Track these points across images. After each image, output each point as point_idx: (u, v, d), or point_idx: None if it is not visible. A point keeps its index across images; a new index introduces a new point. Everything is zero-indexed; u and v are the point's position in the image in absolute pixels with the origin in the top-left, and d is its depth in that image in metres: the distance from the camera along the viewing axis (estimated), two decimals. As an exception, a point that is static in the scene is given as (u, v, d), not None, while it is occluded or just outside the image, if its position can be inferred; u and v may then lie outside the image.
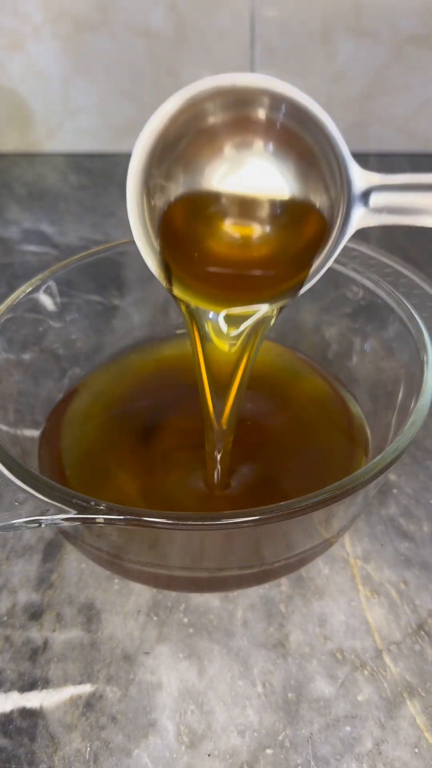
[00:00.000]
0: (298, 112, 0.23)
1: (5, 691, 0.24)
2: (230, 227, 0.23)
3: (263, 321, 0.24)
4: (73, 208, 0.55)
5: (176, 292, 0.23)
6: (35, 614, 0.26)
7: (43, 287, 0.30)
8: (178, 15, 0.55)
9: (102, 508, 0.19)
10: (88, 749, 0.22)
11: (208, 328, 0.24)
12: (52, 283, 0.30)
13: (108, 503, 0.19)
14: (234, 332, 0.24)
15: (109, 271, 0.33)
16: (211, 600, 0.26)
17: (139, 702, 0.23)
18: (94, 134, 0.62)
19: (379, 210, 0.21)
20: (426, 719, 0.23)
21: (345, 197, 0.21)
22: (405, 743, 0.22)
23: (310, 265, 0.23)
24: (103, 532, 0.23)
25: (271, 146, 0.22)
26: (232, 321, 0.24)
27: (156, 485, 0.28)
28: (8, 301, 0.28)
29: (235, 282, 0.23)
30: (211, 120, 0.22)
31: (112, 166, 0.61)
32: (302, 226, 0.23)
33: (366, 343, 0.31)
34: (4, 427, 0.26)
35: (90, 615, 0.26)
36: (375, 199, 0.21)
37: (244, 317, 0.24)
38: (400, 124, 0.61)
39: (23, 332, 0.29)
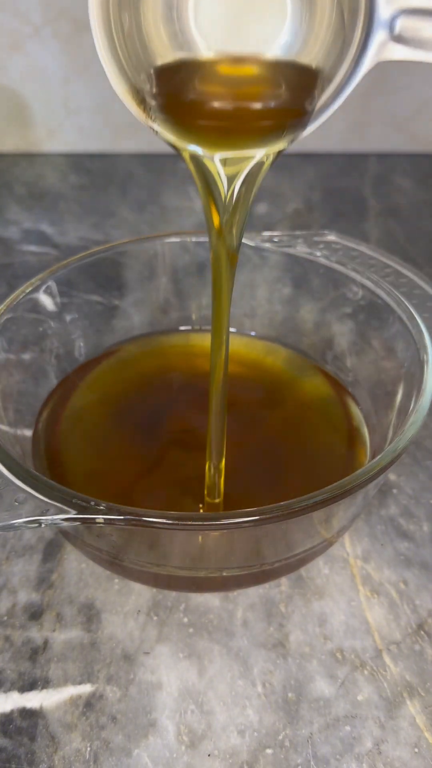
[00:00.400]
0: None
1: (5, 691, 0.24)
2: (227, 62, 0.20)
3: (259, 166, 0.21)
4: (73, 208, 0.55)
5: (161, 128, 0.21)
6: (35, 614, 0.26)
7: (43, 287, 0.30)
8: (178, 15, 0.55)
9: (102, 508, 0.19)
10: (88, 749, 0.22)
11: (211, 174, 0.21)
12: (52, 283, 0.30)
13: (108, 503, 0.19)
14: (231, 174, 0.21)
15: (109, 271, 0.33)
16: (211, 600, 0.26)
17: (139, 702, 0.23)
18: (94, 134, 0.62)
19: (406, 40, 0.18)
20: (426, 719, 0.23)
21: (365, 16, 0.18)
22: (405, 743, 0.22)
23: (315, 97, 0.20)
24: (103, 532, 0.23)
25: None
26: (230, 163, 0.21)
27: (156, 485, 0.28)
28: (8, 301, 0.28)
29: (231, 116, 0.20)
30: None
31: (112, 166, 0.61)
32: (307, 49, 0.20)
33: (366, 343, 0.31)
34: (4, 427, 0.26)
35: (90, 615, 0.26)
36: (404, 24, 0.17)
37: (242, 160, 0.21)
38: (400, 124, 0.61)
39: (23, 332, 0.29)
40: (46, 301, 0.30)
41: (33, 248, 0.50)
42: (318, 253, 0.32)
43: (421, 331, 0.26)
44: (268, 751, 0.22)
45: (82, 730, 0.23)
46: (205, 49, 0.19)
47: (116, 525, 0.19)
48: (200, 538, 0.23)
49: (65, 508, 0.19)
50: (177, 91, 0.21)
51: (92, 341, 0.34)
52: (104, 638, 0.25)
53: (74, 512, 0.19)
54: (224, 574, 0.25)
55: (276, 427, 0.31)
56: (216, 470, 0.26)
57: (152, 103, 0.21)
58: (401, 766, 0.22)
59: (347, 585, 0.27)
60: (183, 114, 0.21)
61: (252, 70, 0.20)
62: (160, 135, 0.21)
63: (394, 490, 0.31)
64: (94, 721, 0.23)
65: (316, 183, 0.58)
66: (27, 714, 0.23)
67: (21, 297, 0.28)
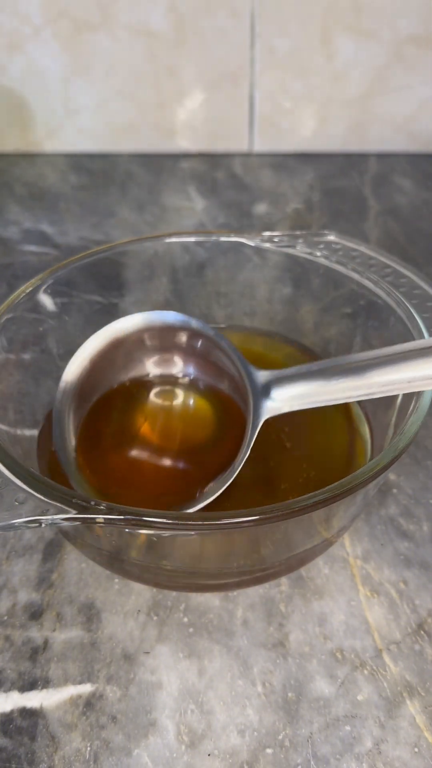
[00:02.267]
0: (204, 336, 0.27)
1: (5, 691, 0.24)
2: (153, 430, 0.27)
3: None
4: (73, 208, 0.55)
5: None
6: (35, 614, 0.26)
7: (43, 287, 0.30)
8: (178, 15, 0.55)
9: (102, 508, 0.19)
10: (88, 749, 0.22)
11: None
12: (52, 283, 0.30)
13: (108, 503, 0.19)
14: None
15: (109, 271, 0.33)
16: (211, 600, 0.26)
17: (139, 701, 0.23)
18: (94, 134, 0.62)
19: (281, 400, 0.24)
20: (426, 719, 0.23)
21: (250, 395, 0.25)
22: (405, 743, 0.22)
23: (228, 460, 0.25)
24: (103, 532, 0.23)
25: (190, 362, 0.28)
26: None
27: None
28: (8, 301, 0.28)
29: (153, 488, 0.26)
30: (138, 345, 0.27)
31: (112, 166, 0.61)
32: (221, 426, 0.27)
33: (366, 343, 0.31)
34: (4, 427, 0.26)
35: (90, 614, 0.26)
36: (275, 392, 0.25)
37: None
38: (400, 124, 0.61)
39: (23, 332, 0.29)
40: (46, 301, 0.30)
41: (33, 248, 0.50)
42: (318, 253, 0.32)
43: (421, 331, 0.26)
44: (268, 750, 0.22)
45: (82, 729, 0.23)
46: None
47: (116, 525, 0.19)
48: (200, 537, 0.23)
49: (65, 508, 0.19)
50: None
51: (92, 341, 0.34)
52: (104, 638, 0.25)
53: (74, 512, 0.19)
54: (224, 573, 0.25)
55: (276, 426, 0.31)
56: None
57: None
58: (401, 765, 0.22)
59: (347, 585, 0.27)
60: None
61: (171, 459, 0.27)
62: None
63: (394, 490, 0.31)
64: (94, 721, 0.23)
65: (316, 183, 0.58)
66: (27, 714, 0.23)
67: (21, 297, 0.28)
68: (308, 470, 0.28)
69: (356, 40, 0.56)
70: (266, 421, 0.28)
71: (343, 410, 0.31)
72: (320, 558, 0.28)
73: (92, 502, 0.19)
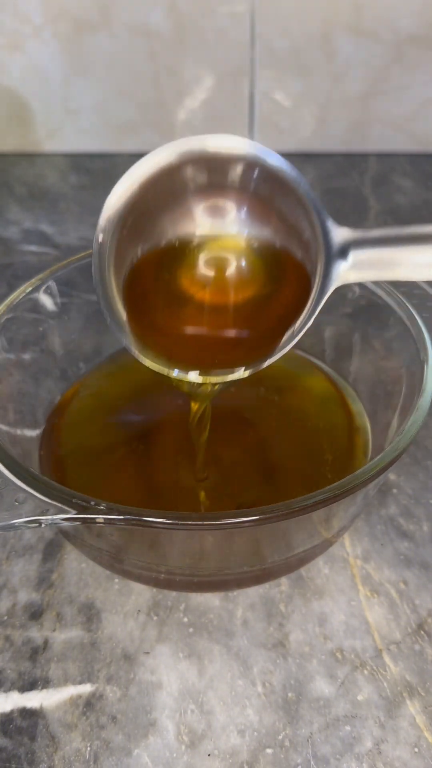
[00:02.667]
0: (271, 174, 0.22)
1: (5, 691, 0.24)
2: (204, 290, 0.23)
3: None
4: (73, 208, 0.55)
5: (148, 362, 0.23)
6: (35, 614, 0.26)
7: (43, 287, 0.30)
8: (178, 15, 0.55)
9: (102, 508, 0.19)
10: (88, 749, 0.22)
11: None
12: (52, 283, 0.30)
13: (108, 503, 0.19)
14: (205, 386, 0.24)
15: (109, 271, 0.33)
16: (211, 600, 0.26)
17: (139, 702, 0.23)
18: (94, 134, 0.62)
19: (358, 266, 0.21)
20: (426, 719, 0.23)
21: (323, 255, 0.21)
22: (405, 743, 0.22)
23: (288, 326, 0.22)
24: (103, 532, 0.23)
25: (245, 208, 0.22)
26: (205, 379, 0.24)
27: (157, 485, 0.28)
28: (8, 301, 0.28)
29: (209, 348, 0.23)
30: (184, 182, 0.22)
31: (112, 166, 0.61)
32: (280, 287, 0.23)
33: (366, 343, 0.31)
34: (4, 427, 0.26)
35: (90, 614, 0.26)
36: (354, 255, 0.21)
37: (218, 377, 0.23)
38: (400, 124, 0.61)
39: (23, 332, 0.29)
40: (46, 301, 0.30)
41: (33, 248, 0.50)
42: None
43: (421, 331, 0.26)
44: (268, 750, 0.22)
45: (82, 729, 0.23)
46: (191, 288, 0.22)
47: (116, 525, 0.19)
48: (200, 538, 0.23)
49: (65, 508, 0.19)
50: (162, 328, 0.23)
51: (92, 341, 0.34)
52: (104, 638, 0.25)
53: (74, 512, 0.19)
54: (224, 573, 0.25)
55: (276, 426, 0.31)
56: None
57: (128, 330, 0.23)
58: (401, 765, 0.22)
59: (347, 585, 0.27)
60: (165, 350, 0.23)
61: (229, 316, 0.23)
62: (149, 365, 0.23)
63: (394, 490, 0.31)
64: (94, 721, 0.23)
65: (316, 183, 0.58)
66: (27, 714, 0.23)
67: (21, 297, 0.28)
68: (308, 470, 0.28)
69: (356, 40, 0.56)
70: (266, 420, 0.28)
71: (344, 410, 0.31)
72: (320, 558, 0.28)
73: (92, 502, 0.19)
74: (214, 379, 0.23)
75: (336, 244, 0.21)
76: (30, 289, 0.29)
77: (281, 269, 0.22)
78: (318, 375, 0.33)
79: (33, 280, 0.29)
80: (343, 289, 0.31)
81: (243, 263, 0.22)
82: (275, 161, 0.21)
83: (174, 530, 0.20)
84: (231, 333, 0.23)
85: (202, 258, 0.22)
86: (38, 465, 0.28)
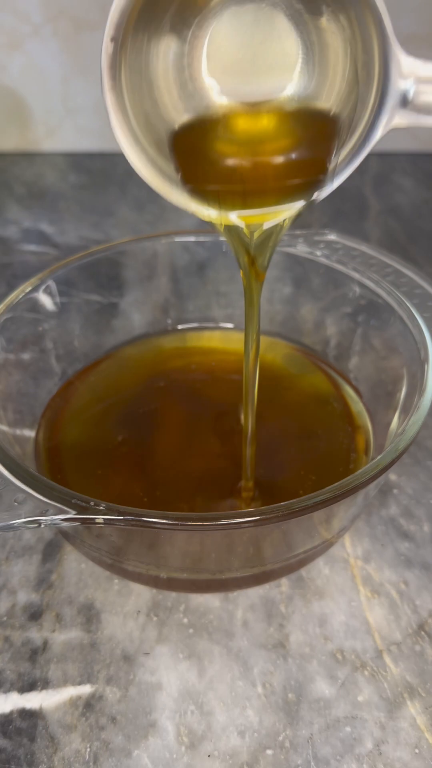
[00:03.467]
0: None
1: (5, 692, 0.24)
2: (244, 125, 0.19)
3: (286, 221, 0.21)
4: (72, 207, 0.55)
5: (187, 197, 0.21)
6: (35, 614, 0.26)
7: (43, 287, 0.30)
8: (178, 14, 0.55)
9: (101, 508, 0.19)
10: (88, 750, 0.22)
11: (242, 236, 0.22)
12: (51, 283, 0.30)
13: (107, 503, 0.19)
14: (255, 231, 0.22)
15: (109, 271, 0.33)
16: (211, 600, 0.26)
17: (139, 702, 0.23)
18: (94, 134, 0.62)
19: (419, 108, 0.18)
20: (426, 720, 0.23)
21: (379, 85, 0.18)
22: (405, 744, 0.22)
23: (331, 158, 0.20)
24: (103, 533, 0.23)
25: (291, 15, 0.18)
26: (252, 224, 0.21)
27: (157, 485, 0.28)
28: (8, 301, 0.28)
29: (253, 179, 0.20)
30: None
31: (112, 165, 0.61)
32: (324, 114, 0.19)
33: (366, 343, 0.31)
34: (4, 427, 0.26)
35: (90, 615, 0.26)
36: (418, 92, 0.18)
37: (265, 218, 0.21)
38: (400, 123, 0.61)
39: (23, 332, 0.29)
40: (46, 301, 0.30)
41: (33, 248, 0.50)
42: (318, 253, 0.32)
43: (421, 331, 0.26)
44: (268, 751, 0.22)
45: (82, 730, 0.23)
46: (218, 98, 0.19)
47: (116, 525, 0.19)
48: (200, 538, 0.23)
49: (65, 508, 0.19)
50: (199, 157, 0.20)
51: (92, 341, 0.34)
52: (104, 639, 0.25)
53: (74, 512, 0.19)
54: (224, 574, 0.25)
55: (276, 426, 0.31)
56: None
57: (177, 177, 0.21)
58: (402, 766, 0.22)
59: (347, 585, 0.27)
60: (208, 181, 0.21)
61: (269, 125, 0.19)
62: (196, 213, 0.21)
63: (395, 490, 0.31)
64: (93, 722, 0.23)
65: (316, 182, 0.58)
66: (26, 715, 0.23)
67: (21, 297, 0.28)
68: (308, 470, 0.28)
69: (356, 39, 0.56)
70: (267, 420, 0.28)
71: (344, 410, 0.31)
72: (320, 558, 0.28)
73: (91, 502, 0.19)
74: (260, 217, 0.21)
75: (398, 76, 0.18)
76: (29, 288, 0.29)
77: (326, 92, 0.19)
78: (318, 374, 0.33)
79: (32, 280, 0.29)
80: (344, 288, 0.31)
81: (287, 90, 0.19)
82: None
83: (174, 530, 0.19)
84: (278, 161, 0.20)
85: (239, 93, 0.19)
86: (35, 464, 0.28)
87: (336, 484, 0.20)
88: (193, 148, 0.20)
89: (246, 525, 0.19)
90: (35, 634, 0.25)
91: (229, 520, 0.19)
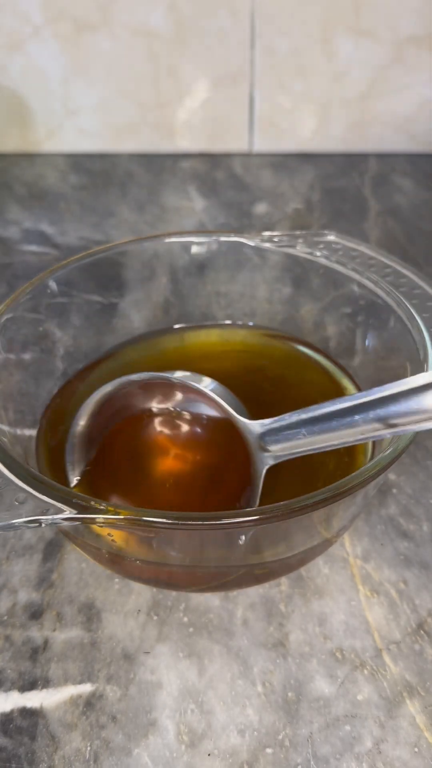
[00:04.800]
0: (200, 397, 0.27)
1: (5, 691, 0.24)
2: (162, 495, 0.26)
3: None
4: (73, 208, 0.55)
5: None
6: (35, 613, 0.26)
7: (44, 287, 0.30)
8: (178, 15, 0.55)
9: (102, 507, 0.19)
10: (89, 748, 0.22)
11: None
12: (52, 283, 0.30)
13: (108, 503, 0.19)
14: None
15: (109, 271, 0.33)
16: (211, 599, 0.26)
17: (139, 701, 0.23)
18: (94, 134, 0.62)
19: (277, 453, 0.24)
20: (426, 719, 0.23)
21: (250, 447, 0.24)
22: (405, 742, 0.22)
23: (235, 502, 0.25)
24: (103, 532, 0.23)
25: (186, 417, 0.27)
26: None
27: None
28: (8, 301, 0.28)
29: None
30: (137, 399, 0.27)
31: (112, 166, 0.61)
32: (222, 484, 0.26)
33: (366, 343, 0.31)
34: (5, 427, 0.26)
35: (90, 614, 0.26)
36: (271, 446, 0.24)
37: None
38: (400, 124, 0.61)
39: (23, 332, 0.29)
40: (47, 301, 0.30)
41: (33, 248, 0.50)
42: (318, 253, 0.32)
43: (421, 331, 0.26)
44: (268, 750, 0.22)
45: (83, 729, 0.23)
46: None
47: (116, 525, 0.19)
48: (200, 537, 0.23)
49: (65, 507, 0.19)
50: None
51: (92, 341, 0.34)
52: (104, 638, 0.25)
53: (74, 512, 0.19)
54: (224, 573, 0.25)
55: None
56: None
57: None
58: (401, 765, 0.22)
59: (347, 584, 0.27)
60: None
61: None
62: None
63: (394, 490, 0.31)
64: (94, 721, 0.23)
65: (316, 183, 0.58)
66: (27, 713, 0.23)
67: (21, 297, 0.28)
68: (308, 469, 0.28)
69: (356, 40, 0.56)
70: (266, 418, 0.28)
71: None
72: (320, 558, 0.28)
73: (92, 502, 0.19)
74: None
75: (255, 436, 0.24)
76: (30, 289, 0.29)
77: (227, 438, 0.26)
78: (318, 374, 0.33)
79: (33, 280, 0.29)
80: (343, 289, 0.31)
81: (193, 438, 0.27)
82: (184, 382, 0.26)
83: (174, 530, 0.20)
84: (185, 500, 0.26)
85: (155, 436, 0.28)
86: (36, 464, 0.28)
87: (335, 483, 0.20)
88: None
89: (246, 525, 0.19)
90: (36, 633, 0.25)
91: (229, 519, 0.19)
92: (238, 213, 0.54)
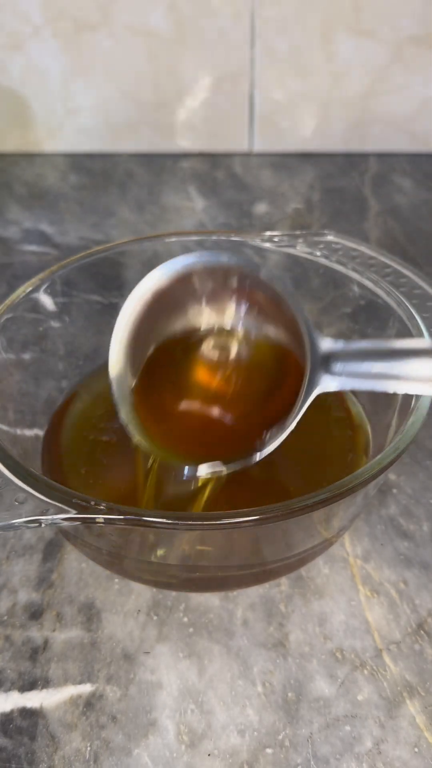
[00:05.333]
0: (263, 287, 0.24)
1: (5, 691, 0.24)
2: (206, 385, 0.25)
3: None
4: (73, 208, 0.55)
5: (143, 444, 0.24)
6: (35, 614, 0.26)
7: (43, 287, 0.30)
8: (178, 15, 0.55)
9: (102, 507, 0.19)
10: (89, 749, 0.22)
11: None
12: (52, 283, 0.30)
13: (108, 503, 0.19)
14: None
15: (109, 271, 0.33)
16: (211, 599, 0.26)
17: (139, 701, 0.23)
18: (94, 134, 0.62)
19: (340, 374, 0.23)
20: (426, 719, 0.23)
21: (308, 362, 0.23)
22: (405, 743, 0.22)
23: (273, 425, 0.24)
24: (103, 532, 0.23)
25: (242, 312, 0.25)
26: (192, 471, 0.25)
27: (158, 485, 0.28)
28: (8, 301, 0.28)
29: (204, 438, 0.24)
30: (192, 290, 0.24)
31: (112, 166, 0.61)
32: (270, 388, 0.25)
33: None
34: (4, 427, 0.26)
35: (90, 614, 0.26)
36: (337, 364, 0.23)
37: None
38: (400, 124, 0.61)
39: (23, 332, 0.29)
40: (46, 301, 0.30)
41: (33, 248, 0.50)
42: (318, 253, 0.32)
43: (421, 331, 0.26)
44: (268, 750, 0.22)
45: (82, 729, 0.23)
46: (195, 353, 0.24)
47: (116, 525, 0.19)
48: (200, 537, 0.23)
49: (65, 507, 0.19)
50: (157, 392, 0.24)
51: (92, 341, 0.34)
52: (104, 638, 0.25)
53: (74, 512, 0.19)
54: (224, 573, 0.25)
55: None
56: None
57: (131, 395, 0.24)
58: (401, 765, 0.22)
59: (347, 585, 0.27)
60: (160, 417, 0.24)
61: (222, 384, 0.24)
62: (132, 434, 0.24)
63: (394, 490, 0.31)
64: (94, 721, 0.23)
65: (316, 183, 0.58)
66: (27, 713, 0.23)
67: (21, 297, 0.28)
68: (308, 470, 0.28)
69: (356, 40, 0.56)
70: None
71: (344, 409, 0.31)
72: (320, 558, 0.28)
73: (92, 502, 0.19)
74: (207, 471, 0.24)
75: (319, 354, 0.23)
76: (30, 289, 0.29)
77: (277, 367, 0.25)
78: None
79: (33, 280, 0.29)
80: (343, 289, 0.31)
81: (242, 359, 0.25)
82: (265, 273, 0.24)
83: (174, 530, 0.20)
84: (229, 422, 0.25)
85: (206, 350, 0.25)
86: (36, 464, 0.28)
87: (336, 483, 0.20)
88: (157, 398, 0.25)
89: (246, 524, 0.19)
90: (36, 633, 0.25)
91: (229, 519, 0.19)
92: (238, 213, 0.54)
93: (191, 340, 0.25)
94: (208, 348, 0.25)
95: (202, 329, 0.25)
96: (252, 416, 0.25)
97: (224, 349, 0.25)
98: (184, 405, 0.25)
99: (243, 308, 0.25)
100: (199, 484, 0.26)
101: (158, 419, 0.24)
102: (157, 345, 0.25)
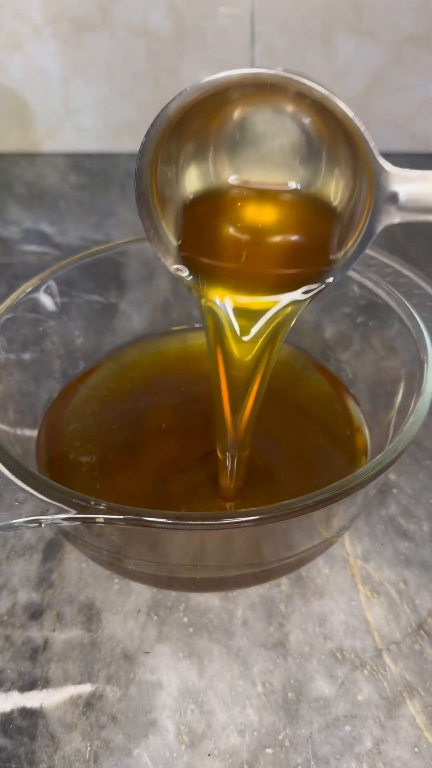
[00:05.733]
0: (321, 108, 0.21)
1: (5, 691, 0.24)
2: (251, 211, 0.23)
3: (282, 323, 0.24)
4: (73, 208, 0.55)
5: (194, 284, 0.23)
6: (35, 614, 0.26)
7: (43, 287, 0.30)
8: (178, 15, 0.55)
9: (102, 507, 0.19)
10: (89, 749, 0.22)
11: (226, 327, 0.24)
12: (52, 283, 0.30)
13: (108, 503, 0.19)
14: (252, 329, 0.24)
15: (109, 271, 0.33)
16: (211, 599, 0.26)
17: (139, 701, 0.23)
18: (94, 134, 0.62)
19: (407, 206, 0.21)
20: (426, 719, 0.23)
21: (373, 190, 0.21)
22: (405, 743, 0.22)
23: (329, 255, 0.23)
24: (103, 532, 0.23)
25: (294, 137, 0.22)
26: (250, 316, 0.24)
27: (158, 485, 0.28)
28: (8, 301, 0.28)
29: (255, 268, 0.23)
30: (234, 109, 0.21)
31: (112, 166, 0.61)
32: (323, 217, 0.23)
33: (366, 343, 0.31)
34: (4, 427, 0.26)
35: (90, 614, 0.26)
36: (404, 194, 0.21)
37: (262, 312, 0.23)
38: (400, 124, 0.61)
39: (23, 332, 0.29)
40: (46, 301, 0.30)
41: (33, 248, 0.50)
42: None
43: (421, 331, 0.26)
44: (268, 750, 0.22)
45: (82, 729, 0.23)
46: (233, 182, 0.22)
47: (116, 525, 0.19)
48: (200, 537, 0.23)
49: (65, 507, 0.19)
50: (204, 229, 0.23)
51: (92, 341, 0.34)
52: (104, 638, 0.25)
53: (74, 512, 0.19)
54: (224, 573, 0.25)
55: (276, 427, 0.31)
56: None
57: (175, 244, 0.23)
58: (401, 765, 0.22)
59: (347, 585, 0.27)
60: (208, 254, 0.23)
61: (274, 215, 0.23)
62: (183, 280, 0.23)
63: (394, 490, 0.31)
64: (94, 721, 0.23)
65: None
66: (27, 714, 0.23)
67: (21, 297, 0.28)
68: (308, 470, 0.28)
69: (356, 40, 0.56)
70: (266, 420, 0.28)
71: (344, 410, 0.31)
72: (320, 558, 0.28)
73: (92, 502, 0.19)
74: (258, 303, 0.23)
75: (385, 183, 0.21)
76: (30, 289, 0.29)
77: (329, 199, 0.22)
78: (317, 375, 0.33)
79: (33, 280, 0.29)
80: (343, 289, 0.31)
81: (292, 190, 0.22)
82: (325, 93, 0.20)
83: (174, 530, 0.20)
84: (276, 253, 0.23)
85: (250, 184, 0.22)
86: (36, 464, 0.28)
87: (335, 483, 0.20)
88: (201, 222, 0.23)
89: (246, 524, 0.19)
90: (36, 633, 0.25)
91: (229, 519, 0.19)
92: (238, 213, 0.54)
93: (232, 172, 0.22)
94: (262, 161, 0.22)
95: (245, 155, 0.22)
96: (304, 248, 0.23)
97: (281, 166, 0.22)
98: (234, 235, 0.23)
99: (294, 130, 0.22)
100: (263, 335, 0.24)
101: (205, 254, 0.23)
102: (195, 181, 0.23)
